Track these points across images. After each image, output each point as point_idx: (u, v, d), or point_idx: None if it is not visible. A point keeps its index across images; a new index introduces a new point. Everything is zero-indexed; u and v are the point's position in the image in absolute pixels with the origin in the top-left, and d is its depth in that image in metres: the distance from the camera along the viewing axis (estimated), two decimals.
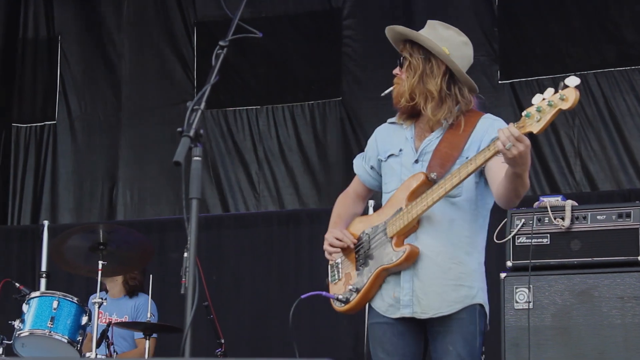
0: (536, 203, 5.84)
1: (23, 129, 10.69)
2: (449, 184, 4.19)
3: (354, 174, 4.81)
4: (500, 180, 4.18)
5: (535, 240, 5.74)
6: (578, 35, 8.92)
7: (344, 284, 4.51)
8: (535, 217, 5.76)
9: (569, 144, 8.76)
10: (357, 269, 4.47)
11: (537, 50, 9.08)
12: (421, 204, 4.25)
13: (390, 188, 4.49)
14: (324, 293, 4.52)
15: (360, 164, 4.75)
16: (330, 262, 4.60)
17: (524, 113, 3.93)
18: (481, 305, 4.39)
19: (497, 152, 4.03)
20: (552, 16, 9.10)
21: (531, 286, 5.65)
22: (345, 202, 4.77)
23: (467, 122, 4.41)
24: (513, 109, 8.83)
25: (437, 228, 4.33)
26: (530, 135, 3.94)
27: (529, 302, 5.65)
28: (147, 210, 10.14)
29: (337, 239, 4.51)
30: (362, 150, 4.82)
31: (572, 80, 3.82)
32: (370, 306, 4.50)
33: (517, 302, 5.69)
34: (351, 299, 4.45)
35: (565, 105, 3.83)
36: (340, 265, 4.55)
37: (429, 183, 4.30)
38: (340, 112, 9.65)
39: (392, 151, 4.53)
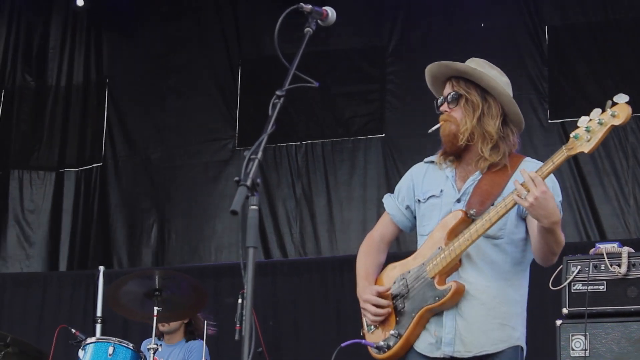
0: (592, 250, 5.79)
1: (72, 172, 10.82)
2: (494, 214, 4.07)
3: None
4: (534, 235, 4.11)
5: (592, 287, 5.69)
6: (630, 75, 8.89)
7: (382, 331, 4.38)
8: (591, 263, 5.70)
9: (624, 190, 8.71)
10: (396, 315, 4.33)
11: (587, 90, 9.07)
12: (463, 239, 4.13)
13: (428, 230, 4.35)
14: (363, 341, 4.40)
15: (394, 203, 4.59)
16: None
17: (572, 134, 3.88)
18: (522, 349, 4.27)
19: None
20: (603, 56, 9.09)
21: (587, 334, 5.59)
22: (370, 252, 4.61)
23: (510, 164, 4.29)
24: None
25: (479, 268, 4.20)
26: (581, 155, 3.86)
27: (585, 349, 5.58)
28: (197, 249, 10.18)
29: (378, 306, 4.36)
30: None
31: (622, 97, 3.79)
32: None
33: (573, 349, 5.63)
34: (392, 344, 4.31)
35: (617, 122, 3.80)
36: None
37: (468, 220, 4.18)
38: (383, 148, 9.67)
39: (433, 192, 4.38)
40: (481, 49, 9.23)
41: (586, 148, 3.85)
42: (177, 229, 10.34)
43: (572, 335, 5.65)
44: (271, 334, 8.73)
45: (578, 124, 3.86)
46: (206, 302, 7.10)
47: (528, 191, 3.87)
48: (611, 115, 3.80)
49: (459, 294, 4.16)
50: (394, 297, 4.36)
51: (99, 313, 8.24)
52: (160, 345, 6.78)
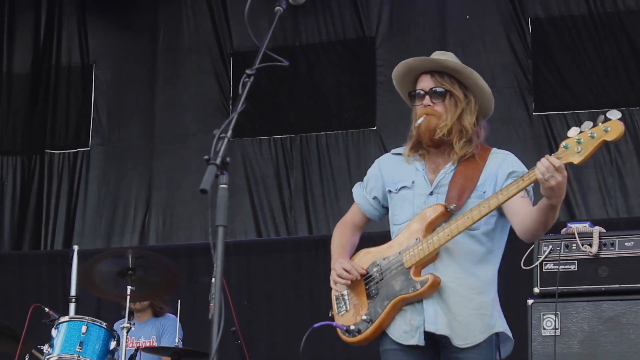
0: (564, 229, 5.82)
1: (57, 155, 10.78)
2: (477, 213, 4.18)
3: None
4: (527, 214, 4.20)
5: (563, 266, 5.72)
6: (613, 69, 8.92)
7: (353, 315, 4.46)
8: (562, 243, 5.74)
9: (600, 174, 8.75)
10: (368, 300, 4.42)
11: (571, 84, 9.09)
12: (443, 234, 4.24)
13: (402, 220, 4.45)
14: (334, 323, 4.47)
15: (362, 193, 4.71)
16: (335, 294, 4.54)
17: (562, 144, 3.96)
18: (497, 334, 4.36)
19: (532, 182, 4.05)
20: (586, 49, 9.10)
21: (558, 313, 5.63)
22: (344, 232, 4.72)
23: (479, 155, 4.42)
24: (548, 141, 8.83)
25: (455, 260, 4.32)
26: (570, 166, 3.95)
27: (556, 329, 5.62)
28: (179, 236, 10.19)
29: (346, 270, 4.43)
30: None
31: (615, 114, 3.88)
32: (383, 332, 4.43)
33: (544, 328, 5.67)
34: (363, 329, 4.40)
35: (609, 137, 3.88)
36: (346, 297, 4.50)
37: (447, 214, 4.30)
38: (375, 141, 9.67)
39: (404, 183, 4.50)
40: (467, 40, 9.28)
41: (576, 159, 3.93)
42: (164, 215, 10.33)
43: (544, 315, 5.69)
44: (245, 313, 8.74)
45: (568, 134, 3.95)
46: (179, 281, 7.09)
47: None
48: (604, 130, 3.88)
49: (435, 286, 4.26)
50: (366, 282, 4.43)
51: (72, 292, 8.22)
52: (134, 324, 6.76)
